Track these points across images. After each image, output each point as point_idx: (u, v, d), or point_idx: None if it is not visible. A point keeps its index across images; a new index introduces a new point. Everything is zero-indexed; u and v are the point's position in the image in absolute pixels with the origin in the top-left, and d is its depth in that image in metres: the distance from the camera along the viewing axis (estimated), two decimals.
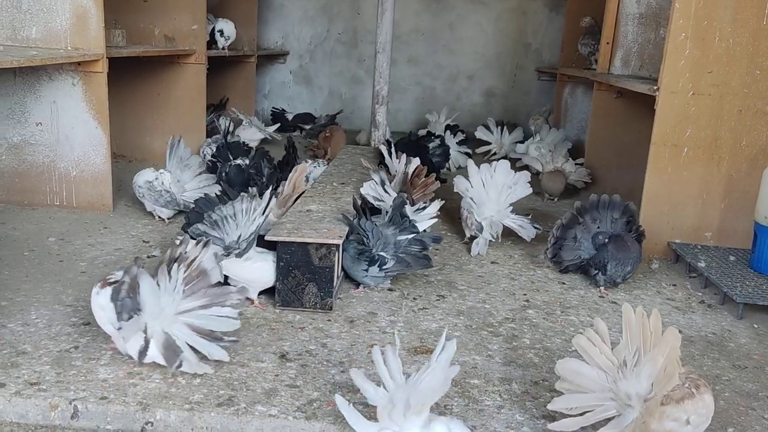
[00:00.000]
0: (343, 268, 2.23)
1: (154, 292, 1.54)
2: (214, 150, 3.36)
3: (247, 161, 3.05)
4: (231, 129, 4.00)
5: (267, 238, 2.02)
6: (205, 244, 1.63)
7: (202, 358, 1.60)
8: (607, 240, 2.38)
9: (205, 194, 2.18)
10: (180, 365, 1.55)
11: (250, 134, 4.65)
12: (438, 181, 2.82)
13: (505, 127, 4.82)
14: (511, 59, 6.02)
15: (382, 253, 2.16)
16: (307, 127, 5.27)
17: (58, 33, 2.70)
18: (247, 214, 2.01)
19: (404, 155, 2.89)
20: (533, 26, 5.95)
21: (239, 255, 2.02)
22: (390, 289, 2.26)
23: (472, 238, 2.72)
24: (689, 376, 1.33)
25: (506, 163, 2.70)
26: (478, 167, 2.72)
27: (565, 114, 4.97)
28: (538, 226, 2.72)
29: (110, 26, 3.24)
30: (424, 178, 2.76)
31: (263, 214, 2.05)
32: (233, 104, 4.95)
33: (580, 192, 3.87)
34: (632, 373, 1.32)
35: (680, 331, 2.04)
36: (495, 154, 4.80)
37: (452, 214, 3.28)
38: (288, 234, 2.02)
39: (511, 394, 1.62)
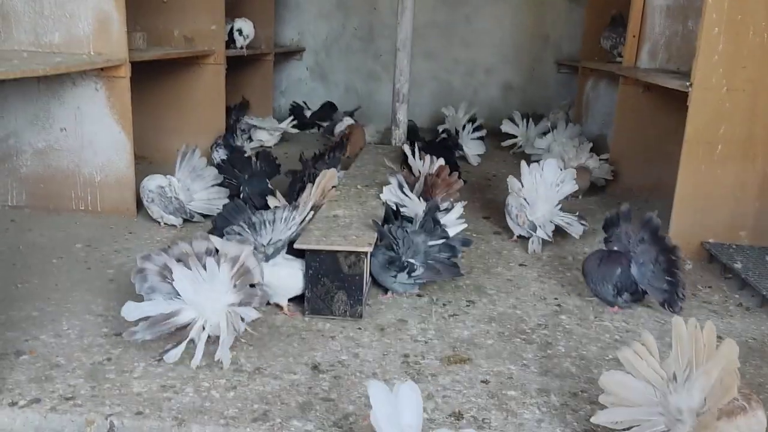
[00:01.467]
0: (371, 274, 2.20)
1: (190, 281, 1.65)
2: (223, 156, 3.34)
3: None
4: (243, 140, 4.01)
5: (296, 246, 1.99)
6: (242, 242, 1.77)
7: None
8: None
9: (235, 201, 2.22)
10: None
11: (264, 136, 4.65)
12: (461, 180, 2.78)
13: (530, 120, 4.85)
14: (529, 52, 5.92)
15: (411, 260, 2.13)
16: (325, 124, 5.24)
17: (80, 38, 2.69)
18: (286, 222, 2.00)
19: (428, 156, 2.85)
20: (552, 18, 5.85)
21: (266, 260, 2.00)
22: (419, 295, 2.23)
23: (521, 237, 2.81)
24: (741, 390, 1.29)
25: (553, 161, 2.77)
26: (529, 166, 2.76)
27: (587, 108, 4.88)
28: (584, 223, 2.75)
29: (131, 29, 3.23)
30: (447, 177, 2.71)
31: (300, 224, 2.03)
32: (251, 103, 4.93)
33: (603, 189, 3.80)
34: (683, 386, 1.28)
35: (720, 338, 2.00)
36: (521, 147, 4.82)
37: (475, 214, 3.24)
38: (317, 242, 2.00)
39: (550, 406, 1.59)
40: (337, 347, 1.84)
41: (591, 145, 4.23)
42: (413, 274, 2.16)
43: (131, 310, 1.66)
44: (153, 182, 2.78)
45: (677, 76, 3.05)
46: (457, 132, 4.62)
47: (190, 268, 1.67)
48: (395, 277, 2.15)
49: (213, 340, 1.69)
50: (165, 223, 2.80)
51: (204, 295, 1.67)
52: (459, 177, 2.79)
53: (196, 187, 2.89)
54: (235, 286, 1.69)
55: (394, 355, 1.81)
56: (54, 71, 2.26)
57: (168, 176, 2.80)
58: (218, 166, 3.13)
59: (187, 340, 1.67)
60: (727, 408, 1.26)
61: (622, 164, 3.86)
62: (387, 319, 2.04)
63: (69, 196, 2.90)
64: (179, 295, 1.67)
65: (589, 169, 3.68)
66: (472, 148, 4.51)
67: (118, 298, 2.07)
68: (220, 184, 2.95)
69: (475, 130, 4.54)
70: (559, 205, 2.75)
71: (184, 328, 1.68)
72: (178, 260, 1.70)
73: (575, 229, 2.72)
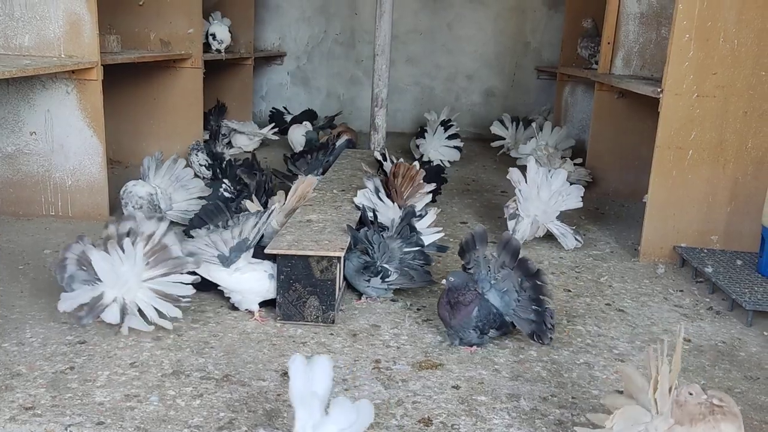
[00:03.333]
0: (345, 277, 2.19)
1: (108, 264, 1.77)
2: (203, 162, 3.29)
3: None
4: (224, 145, 3.96)
5: (267, 251, 1.97)
6: (160, 220, 1.87)
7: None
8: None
9: (215, 204, 2.27)
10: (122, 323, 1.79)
11: (244, 141, 4.62)
12: (423, 171, 2.74)
13: (520, 123, 4.93)
14: (511, 58, 5.97)
15: (385, 266, 2.12)
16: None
17: (51, 41, 2.65)
18: (256, 226, 1.98)
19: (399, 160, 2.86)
20: (532, 25, 5.90)
21: (226, 264, 1.97)
22: (393, 300, 2.22)
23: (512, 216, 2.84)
24: (715, 398, 1.27)
25: (565, 173, 2.84)
26: (539, 167, 2.80)
27: (565, 113, 4.92)
28: (579, 240, 2.80)
29: (105, 32, 3.19)
30: (407, 172, 2.67)
31: (259, 230, 2.01)
32: (230, 107, 4.90)
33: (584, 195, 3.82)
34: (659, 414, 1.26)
35: (689, 340, 2.01)
36: (508, 150, 4.88)
37: (452, 219, 3.24)
38: (288, 247, 1.98)
39: (520, 411, 1.59)
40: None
41: (571, 146, 4.28)
42: (387, 280, 2.15)
43: (65, 302, 1.76)
44: (143, 189, 2.75)
45: (650, 82, 3.09)
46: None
47: (108, 252, 1.79)
48: (369, 281, 2.14)
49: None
50: None
51: (121, 274, 1.79)
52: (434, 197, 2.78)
53: (178, 197, 2.85)
54: (148, 263, 1.82)
55: (365, 360, 1.80)
56: (21, 73, 2.22)
57: (154, 184, 2.77)
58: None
59: (128, 315, 1.80)
60: (692, 412, 1.25)
61: (599, 169, 3.89)
62: (360, 324, 2.03)
63: (39, 202, 2.84)
64: (99, 279, 1.78)
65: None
66: (446, 155, 4.39)
67: None
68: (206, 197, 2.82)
69: (451, 137, 4.40)
70: (557, 213, 2.80)
71: (111, 307, 1.79)
72: (97, 245, 1.83)
73: (568, 241, 2.78)
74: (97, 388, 1.58)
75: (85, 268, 1.79)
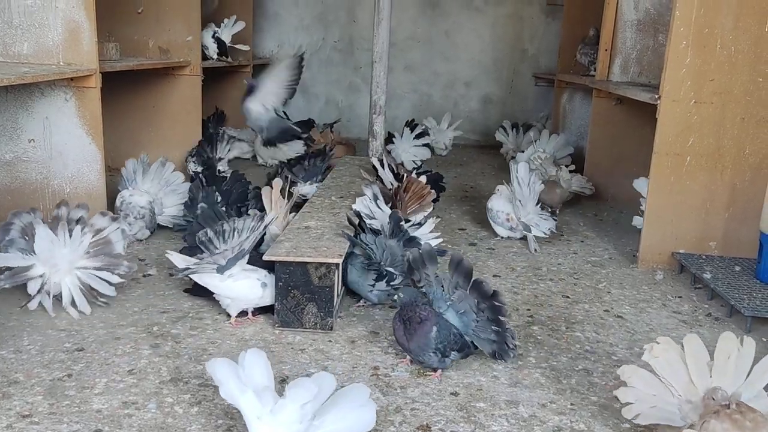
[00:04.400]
0: (346, 283, 2.19)
1: (49, 242, 1.92)
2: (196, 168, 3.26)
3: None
4: (225, 152, 3.96)
5: (265, 257, 1.97)
6: (114, 220, 2.06)
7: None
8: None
9: (212, 209, 2.28)
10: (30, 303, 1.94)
11: (245, 147, 4.62)
12: (433, 192, 2.76)
13: (521, 129, 5.05)
14: (508, 65, 5.99)
15: (390, 269, 2.12)
16: (304, 136, 5.22)
17: (50, 48, 2.65)
18: (252, 233, 1.97)
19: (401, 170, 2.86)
20: (530, 32, 5.92)
21: (219, 271, 1.97)
22: (392, 306, 2.21)
23: (509, 238, 3.04)
24: (741, 406, 1.31)
25: (524, 164, 2.98)
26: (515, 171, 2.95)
27: (564, 120, 4.93)
28: (537, 249, 2.91)
29: (104, 39, 3.20)
30: (418, 190, 2.68)
31: (253, 237, 2.00)
32: (229, 115, 4.90)
33: (583, 202, 3.83)
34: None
35: None
36: (513, 157, 4.89)
37: (450, 226, 3.24)
38: (286, 253, 1.98)
39: (518, 418, 1.58)
40: (306, 360, 1.81)
41: (569, 153, 4.28)
42: (392, 283, 2.14)
43: None
44: (142, 198, 2.74)
45: (648, 89, 3.10)
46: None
47: (55, 232, 1.94)
48: (373, 285, 2.13)
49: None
50: (137, 239, 2.76)
51: (57, 255, 1.94)
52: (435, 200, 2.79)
53: (168, 201, 2.85)
54: (88, 252, 1.99)
55: (363, 367, 1.79)
56: (20, 81, 2.22)
57: (143, 189, 2.77)
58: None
59: (42, 292, 1.95)
60: (710, 409, 1.31)
61: (598, 175, 3.89)
62: (358, 331, 2.02)
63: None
64: (34, 252, 1.93)
65: (560, 183, 3.62)
66: (417, 154, 4.48)
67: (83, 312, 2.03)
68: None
69: (418, 137, 4.50)
70: (539, 205, 2.99)
71: (36, 280, 1.95)
72: (46, 222, 2.00)
73: (548, 224, 2.98)
74: (95, 395, 1.57)
75: (27, 239, 1.97)
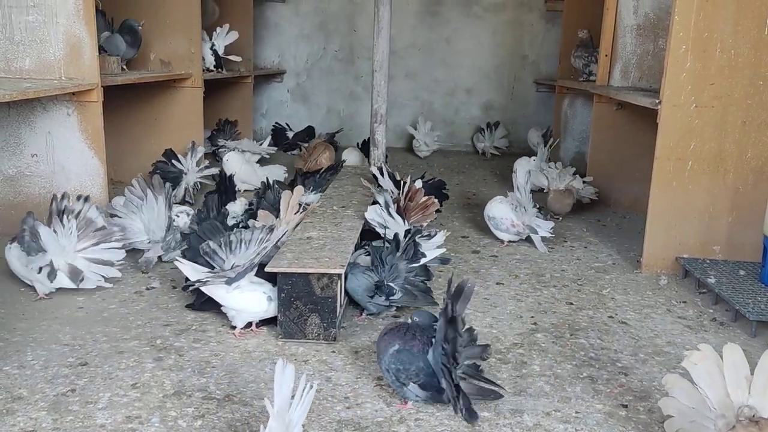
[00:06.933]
0: (346, 291, 2.19)
1: (52, 236, 2.20)
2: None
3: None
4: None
5: (267, 269, 1.97)
6: (86, 200, 2.30)
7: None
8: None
9: (212, 222, 2.29)
10: (82, 280, 2.24)
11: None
12: (437, 203, 2.76)
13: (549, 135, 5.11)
14: (509, 72, 6.00)
15: (391, 284, 2.13)
16: (305, 145, 5.24)
17: (51, 63, 2.67)
18: (262, 244, 1.98)
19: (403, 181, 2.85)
20: (530, 38, 5.94)
21: (228, 283, 1.97)
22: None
23: (511, 242, 3.10)
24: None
25: (524, 166, 3.16)
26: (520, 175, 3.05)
27: (565, 126, 4.93)
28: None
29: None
30: (423, 200, 2.69)
31: (265, 249, 2.01)
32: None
33: (586, 207, 3.82)
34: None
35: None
36: (493, 154, 4.98)
37: (453, 233, 3.24)
38: (288, 264, 1.98)
39: (523, 427, 1.57)
40: (309, 371, 1.81)
41: (573, 168, 4.27)
42: (391, 298, 2.15)
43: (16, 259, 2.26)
44: (187, 217, 2.70)
45: (648, 93, 3.10)
46: None
47: (51, 227, 2.21)
48: (372, 297, 2.13)
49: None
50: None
51: (58, 245, 2.21)
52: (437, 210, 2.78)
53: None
54: (78, 236, 2.24)
55: (367, 378, 1.78)
56: (22, 96, 2.24)
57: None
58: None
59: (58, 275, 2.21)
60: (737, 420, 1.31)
61: (600, 181, 3.88)
62: (362, 341, 2.02)
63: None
64: (45, 249, 2.20)
65: (573, 191, 3.60)
66: None
67: (86, 326, 2.03)
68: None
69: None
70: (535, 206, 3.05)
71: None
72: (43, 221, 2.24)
73: (549, 224, 3.05)
74: (99, 410, 1.57)
75: (35, 241, 2.19)
